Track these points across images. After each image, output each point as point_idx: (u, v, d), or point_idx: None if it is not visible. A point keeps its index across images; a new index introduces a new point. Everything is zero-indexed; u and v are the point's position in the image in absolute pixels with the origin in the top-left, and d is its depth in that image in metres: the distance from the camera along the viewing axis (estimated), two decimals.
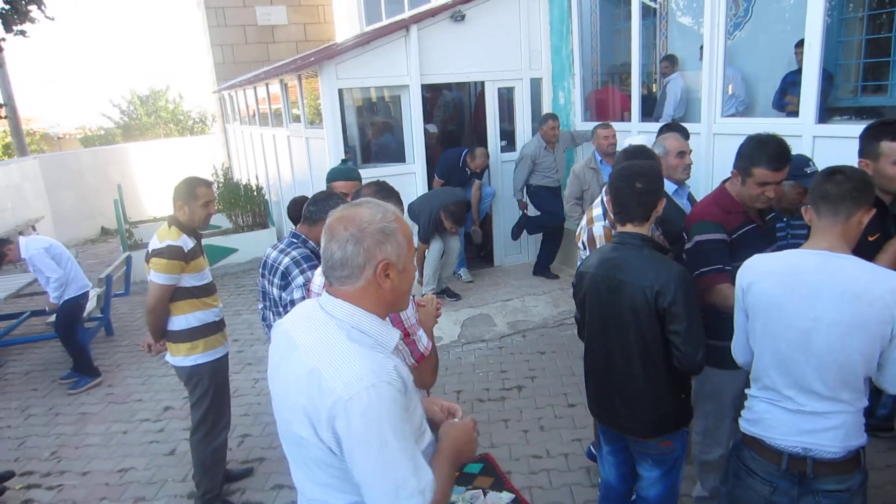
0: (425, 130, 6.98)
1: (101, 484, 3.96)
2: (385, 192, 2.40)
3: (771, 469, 2.01)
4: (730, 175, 2.77)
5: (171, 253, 3.18)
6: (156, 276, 3.20)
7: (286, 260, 2.84)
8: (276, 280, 2.86)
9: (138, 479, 3.98)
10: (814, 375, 1.89)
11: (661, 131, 3.81)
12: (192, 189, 3.27)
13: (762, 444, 2.03)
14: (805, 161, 2.99)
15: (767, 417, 2.02)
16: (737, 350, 2.21)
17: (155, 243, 3.25)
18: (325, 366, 1.39)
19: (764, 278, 2.01)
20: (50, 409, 5.08)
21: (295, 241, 2.93)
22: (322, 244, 1.52)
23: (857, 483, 1.96)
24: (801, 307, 1.89)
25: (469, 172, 6.78)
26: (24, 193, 10.89)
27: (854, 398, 1.91)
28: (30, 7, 9.63)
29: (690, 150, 3.46)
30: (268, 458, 4.09)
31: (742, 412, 2.16)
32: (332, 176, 4.01)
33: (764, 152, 2.54)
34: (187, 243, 3.26)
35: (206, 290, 3.41)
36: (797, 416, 1.95)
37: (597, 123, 5.84)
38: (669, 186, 3.31)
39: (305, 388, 1.39)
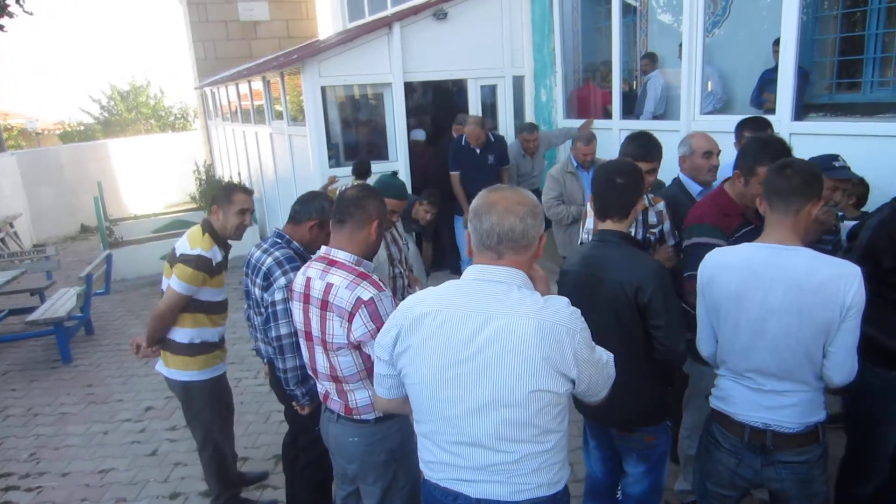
0: (411, 138, 6.92)
1: (81, 485, 3.93)
2: (369, 191, 2.40)
3: (735, 441, 2.13)
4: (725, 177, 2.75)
5: (199, 263, 2.99)
6: (176, 283, 3.01)
7: (269, 260, 2.75)
8: (258, 280, 2.81)
9: (119, 480, 3.95)
10: (771, 361, 2.00)
11: (742, 124, 3.52)
12: (229, 194, 3.11)
13: (728, 418, 2.15)
14: (833, 156, 2.97)
15: (732, 395, 2.14)
16: (701, 343, 2.27)
17: (184, 247, 3.05)
18: (546, 316, 1.61)
19: (723, 272, 2.08)
20: (28, 410, 5.03)
21: (279, 241, 2.85)
22: (491, 220, 1.67)
23: (816, 456, 2.06)
24: (755, 298, 1.98)
25: (479, 151, 6.21)
26: (0, 190, 10.74)
27: (812, 379, 2.00)
28: (8, 1, 9.51)
29: (720, 151, 3.32)
30: (251, 457, 4.08)
31: (712, 390, 2.26)
32: (383, 189, 3.49)
33: (768, 150, 2.56)
34: (216, 255, 3.09)
35: (218, 308, 3.27)
36: (758, 394, 2.06)
37: (580, 131, 5.58)
38: (693, 188, 3.27)
39: (541, 341, 1.59)
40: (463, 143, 6.31)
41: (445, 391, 1.66)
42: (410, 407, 1.81)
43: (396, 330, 1.73)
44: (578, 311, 1.67)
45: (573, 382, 1.66)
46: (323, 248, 2.36)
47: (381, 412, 2.21)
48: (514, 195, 1.71)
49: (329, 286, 2.20)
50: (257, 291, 2.83)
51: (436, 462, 1.75)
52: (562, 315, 1.62)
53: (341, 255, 2.28)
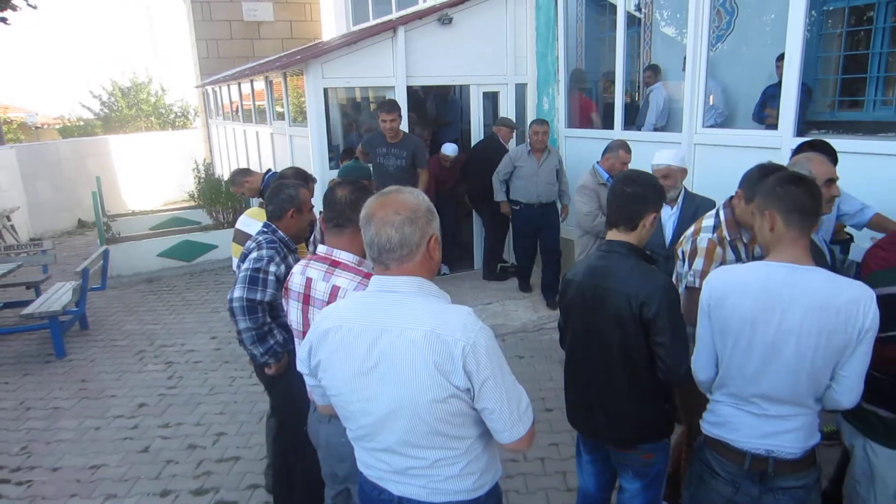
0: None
1: (71, 480, 3.90)
2: (361, 191, 2.38)
3: (734, 469, 2.05)
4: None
5: None
6: None
7: (252, 245, 2.95)
8: (243, 265, 2.93)
9: (110, 476, 3.92)
10: (783, 385, 1.93)
11: (800, 149, 3.17)
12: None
13: (726, 446, 2.07)
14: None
15: (732, 421, 2.05)
16: (699, 367, 2.15)
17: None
18: (435, 325, 1.59)
19: (736, 293, 1.97)
20: (21, 403, 4.99)
21: (266, 230, 2.99)
22: (370, 232, 1.66)
23: (813, 479, 2.03)
24: (772, 321, 1.90)
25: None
26: None
27: (812, 402, 1.96)
28: None
29: (838, 178, 2.83)
30: (243, 457, 4.06)
31: (704, 415, 2.18)
32: (344, 173, 4.02)
33: None
34: None
35: None
36: (762, 419, 2.00)
37: (616, 140, 5.18)
38: None
39: (428, 350, 1.57)
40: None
41: (354, 403, 1.71)
42: None
43: (308, 346, 1.78)
44: (480, 324, 1.62)
45: (468, 392, 1.61)
46: (322, 247, 2.37)
47: (325, 415, 2.25)
48: (394, 202, 1.67)
49: (335, 289, 2.21)
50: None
51: (363, 462, 1.82)
52: (453, 325, 1.59)
53: (344, 256, 2.30)
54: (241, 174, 5.01)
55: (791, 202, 1.92)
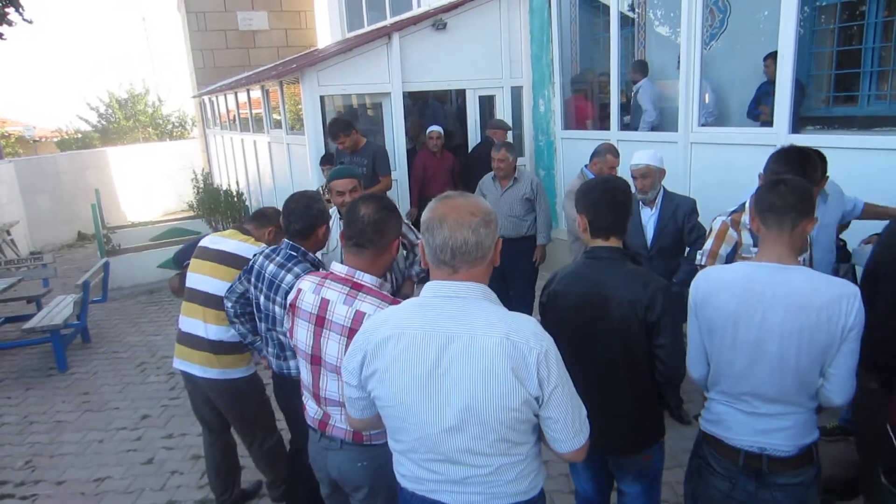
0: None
1: (76, 493, 3.91)
2: (387, 211, 2.19)
3: (729, 466, 2.08)
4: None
5: None
6: None
7: (289, 277, 2.63)
8: (278, 299, 2.70)
9: (115, 489, 3.93)
10: (769, 383, 1.95)
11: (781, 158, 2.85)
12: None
13: (721, 443, 2.10)
14: None
15: (726, 419, 2.09)
16: (692, 364, 2.21)
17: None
18: (508, 332, 1.58)
19: (720, 292, 2.01)
20: (24, 418, 5.00)
21: (295, 254, 2.71)
22: (442, 234, 1.61)
23: (811, 477, 2.04)
24: (754, 319, 1.93)
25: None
26: None
27: (806, 400, 1.98)
28: (7, 10, 9.53)
29: None
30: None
31: (702, 412, 2.22)
32: (332, 176, 3.78)
33: None
34: None
35: None
36: (753, 417, 2.02)
37: (604, 143, 4.82)
38: None
39: (505, 356, 1.56)
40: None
41: (415, 414, 1.65)
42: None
43: (361, 354, 1.71)
44: (546, 333, 1.63)
45: (537, 400, 1.61)
46: (340, 266, 2.19)
47: (356, 430, 2.16)
48: (465, 204, 1.65)
49: (360, 314, 2.07)
50: (279, 310, 2.72)
51: (413, 476, 1.76)
52: (525, 332, 1.59)
53: (368, 279, 2.15)
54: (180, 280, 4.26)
55: (760, 204, 2.01)
